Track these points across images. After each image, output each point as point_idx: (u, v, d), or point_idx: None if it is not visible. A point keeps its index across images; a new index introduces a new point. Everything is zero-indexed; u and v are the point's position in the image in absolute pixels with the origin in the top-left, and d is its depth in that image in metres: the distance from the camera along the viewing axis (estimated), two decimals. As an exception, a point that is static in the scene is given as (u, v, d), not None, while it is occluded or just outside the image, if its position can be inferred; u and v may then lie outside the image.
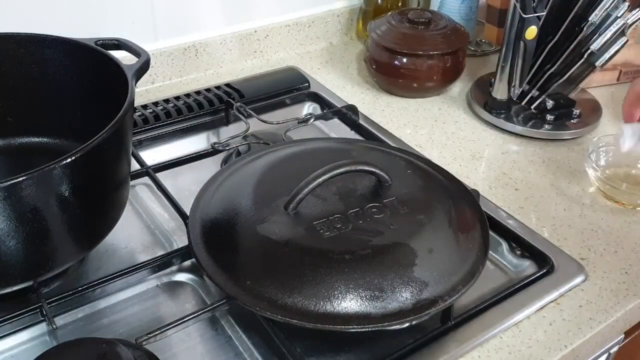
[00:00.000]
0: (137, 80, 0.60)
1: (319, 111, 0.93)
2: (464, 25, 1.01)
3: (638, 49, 1.03)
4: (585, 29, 0.84)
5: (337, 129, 0.89)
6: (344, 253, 0.55)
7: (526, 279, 0.63)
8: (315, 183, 0.58)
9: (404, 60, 0.94)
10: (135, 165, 0.74)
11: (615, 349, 0.69)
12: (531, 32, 0.84)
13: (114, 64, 0.62)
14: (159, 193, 0.72)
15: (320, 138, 0.82)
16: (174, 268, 0.65)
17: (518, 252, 0.68)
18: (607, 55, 0.84)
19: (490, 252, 0.66)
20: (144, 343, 0.52)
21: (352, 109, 0.88)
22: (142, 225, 0.71)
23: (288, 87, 0.95)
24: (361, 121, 0.88)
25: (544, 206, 0.75)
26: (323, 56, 1.08)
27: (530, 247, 0.68)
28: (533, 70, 0.90)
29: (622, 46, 0.84)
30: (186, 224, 0.62)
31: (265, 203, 0.60)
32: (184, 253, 0.63)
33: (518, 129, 0.88)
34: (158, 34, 0.94)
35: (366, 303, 0.52)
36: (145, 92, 0.94)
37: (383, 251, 0.56)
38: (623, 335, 0.68)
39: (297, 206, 0.59)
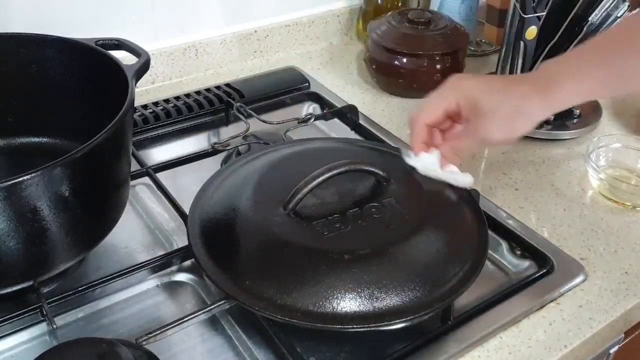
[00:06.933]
0: (137, 80, 0.60)
1: (319, 111, 0.93)
2: (464, 25, 1.01)
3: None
4: (585, 29, 0.84)
5: (337, 129, 0.89)
6: (343, 253, 0.55)
7: (526, 279, 0.63)
8: (314, 183, 0.58)
9: (404, 60, 0.94)
10: (135, 165, 0.74)
11: (615, 349, 0.69)
12: (531, 32, 0.84)
13: (114, 64, 0.62)
14: (159, 193, 0.72)
15: (320, 138, 0.82)
16: (173, 268, 0.64)
17: (518, 252, 0.68)
18: (607, 55, 0.84)
19: (490, 252, 0.66)
20: (144, 343, 0.52)
21: (352, 109, 0.88)
22: (142, 225, 0.71)
23: (288, 87, 0.95)
24: (361, 121, 0.88)
25: (544, 206, 0.75)
26: (323, 56, 1.08)
27: (530, 247, 0.67)
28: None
29: (622, 46, 0.84)
30: (186, 224, 0.62)
31: (265, 203, 0.60)
32: (184, 253, 0.63)
33: (518, 129, 0.88)
34: (158, 34, 0.94)
35: (366, 303, 0.52)
36: (145, 92, 0.94)
37: (382, 251, 0.56)
38: (623, 335, 0.68)
39: (296, 206, 0.59)
